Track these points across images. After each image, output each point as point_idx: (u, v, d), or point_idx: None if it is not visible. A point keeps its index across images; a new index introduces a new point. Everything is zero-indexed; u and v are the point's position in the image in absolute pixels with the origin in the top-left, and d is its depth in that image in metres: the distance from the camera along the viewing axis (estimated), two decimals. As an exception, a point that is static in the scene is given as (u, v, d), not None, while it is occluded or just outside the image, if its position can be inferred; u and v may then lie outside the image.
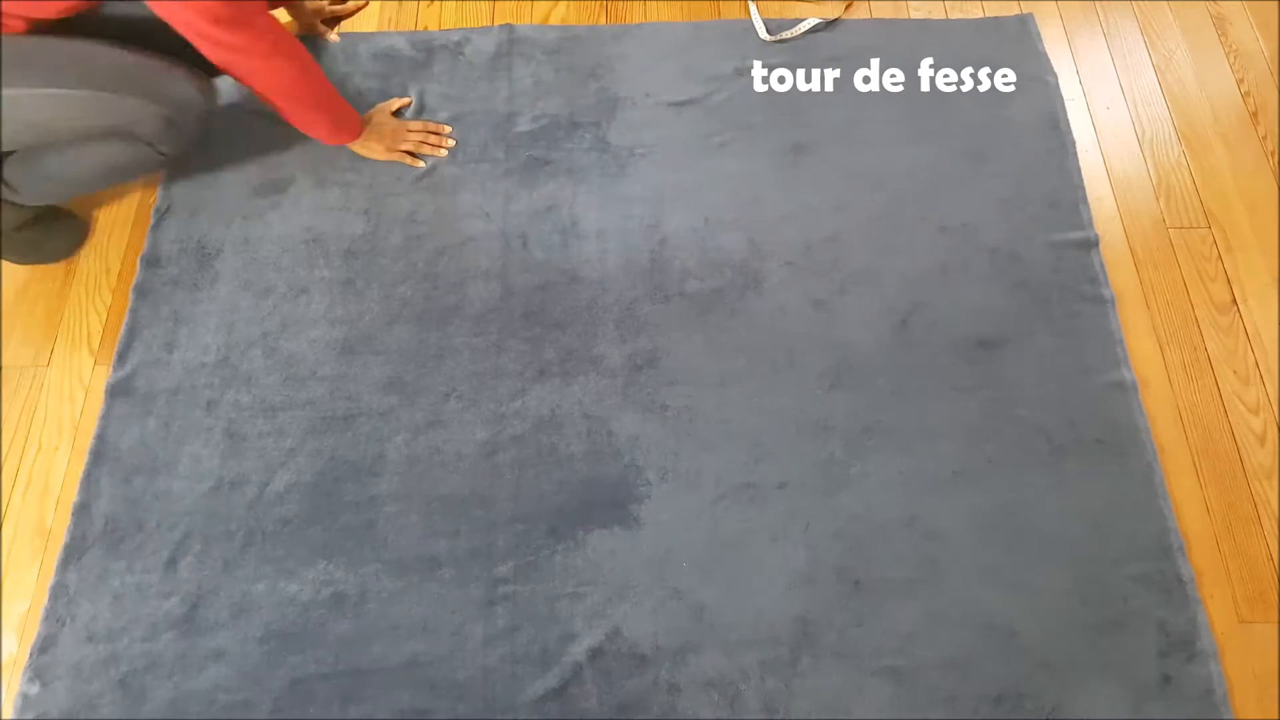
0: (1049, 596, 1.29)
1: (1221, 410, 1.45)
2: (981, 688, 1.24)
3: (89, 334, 1.50)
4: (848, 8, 1.85)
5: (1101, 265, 1.55)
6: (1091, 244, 1.57)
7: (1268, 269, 1.58)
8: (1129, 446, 1.40)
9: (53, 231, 1.54)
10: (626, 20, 1.85)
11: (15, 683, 1.24)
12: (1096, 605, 1.28)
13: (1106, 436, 1.40)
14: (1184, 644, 1.26)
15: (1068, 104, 1.74)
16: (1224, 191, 1.66)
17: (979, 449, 1.40)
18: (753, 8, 1.84)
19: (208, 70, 1.46)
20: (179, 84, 1.33)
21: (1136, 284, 1.56)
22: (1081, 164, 1.67)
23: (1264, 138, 1.72)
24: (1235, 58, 1.82)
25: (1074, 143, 1.69)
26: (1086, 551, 1.32)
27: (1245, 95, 1.77)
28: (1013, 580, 1.30)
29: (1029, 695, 1.23)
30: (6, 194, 1.44)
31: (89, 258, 1.57)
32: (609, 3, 1.88)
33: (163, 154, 1.39)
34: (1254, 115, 1.75)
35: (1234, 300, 1.55)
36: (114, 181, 1.50)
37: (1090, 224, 1.59)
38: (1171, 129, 1.74)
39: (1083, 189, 1.63)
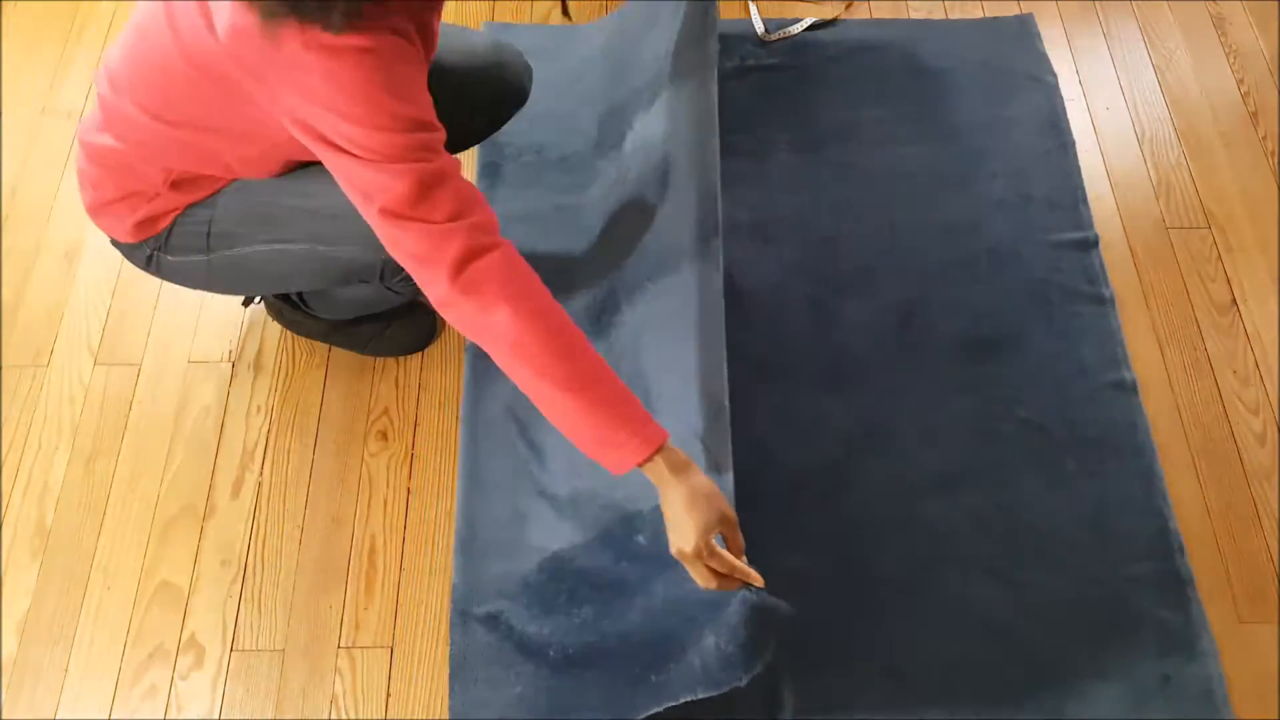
0: (1049, 597, 1.29)
1: (1221, 410, 1.45)
2: (981, 688, 1.23)
3: (89, 334, 1.50)
4: (847, 7, 1.85)
5: (1102, 265, 1.55)
6: (1091, 244, 1.57)
7: (1268, 269, 1.58)
8: (1129, 446, 1.39)
9: (403, 327, 1.46)
10: (626, 20, 1.85)
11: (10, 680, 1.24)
12: (1096, 605, 1.28)
13: (1106, 436, 1.40)
14: (1184, 644, 1.25)
15: (1067, 104, 1.74)
16: (1224, 192, 1.66)
17: (979, 449, 1.39)
18: (752, 7, 1.84)
19: None
20: None
21: (1136, 284, 1.56)
22: (1081, 164, 1.67)
23: (1264, 138, 1.72)
24: (1235, 58, 1.82)
25: (1074, 143, 1.69)
26: (1086, 552, 1.32)
27: (1245, 95, 1.77)
28: (1012, 580, 1.30)
29: (1028, 695, 1.23)
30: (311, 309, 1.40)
31: (91, 264, 1.57)
32: (609, 3, 1.87)
33: (398, 293, 1.24)
34: (1254, 115, 1.75)
35: (1234, 300, 1.55)
36: (386, 306, 1.37)
37: (1090, 224, 1.59)
38: (1171, 129, 1.74)
39: (1083, 189, 1.63)
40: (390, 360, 1.47)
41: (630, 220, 1.46)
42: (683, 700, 1.03)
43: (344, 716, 1.23)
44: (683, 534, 0.92)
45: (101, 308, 1.53)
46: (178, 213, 1.15)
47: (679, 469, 0.94)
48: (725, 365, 1.22)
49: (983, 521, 1.34)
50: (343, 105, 0.87)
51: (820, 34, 1.81)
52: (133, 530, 1.34)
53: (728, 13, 1.86)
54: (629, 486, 1.22)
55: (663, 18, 1.63)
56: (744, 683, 0.98)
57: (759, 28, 1.81)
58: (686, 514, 0.92)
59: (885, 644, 1.26)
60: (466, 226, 0.90)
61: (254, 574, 1.31)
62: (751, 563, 1.00)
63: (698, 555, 0.93)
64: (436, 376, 1.47)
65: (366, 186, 0.90)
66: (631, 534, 1.20)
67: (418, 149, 0.90)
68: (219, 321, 1.51)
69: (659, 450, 0.93)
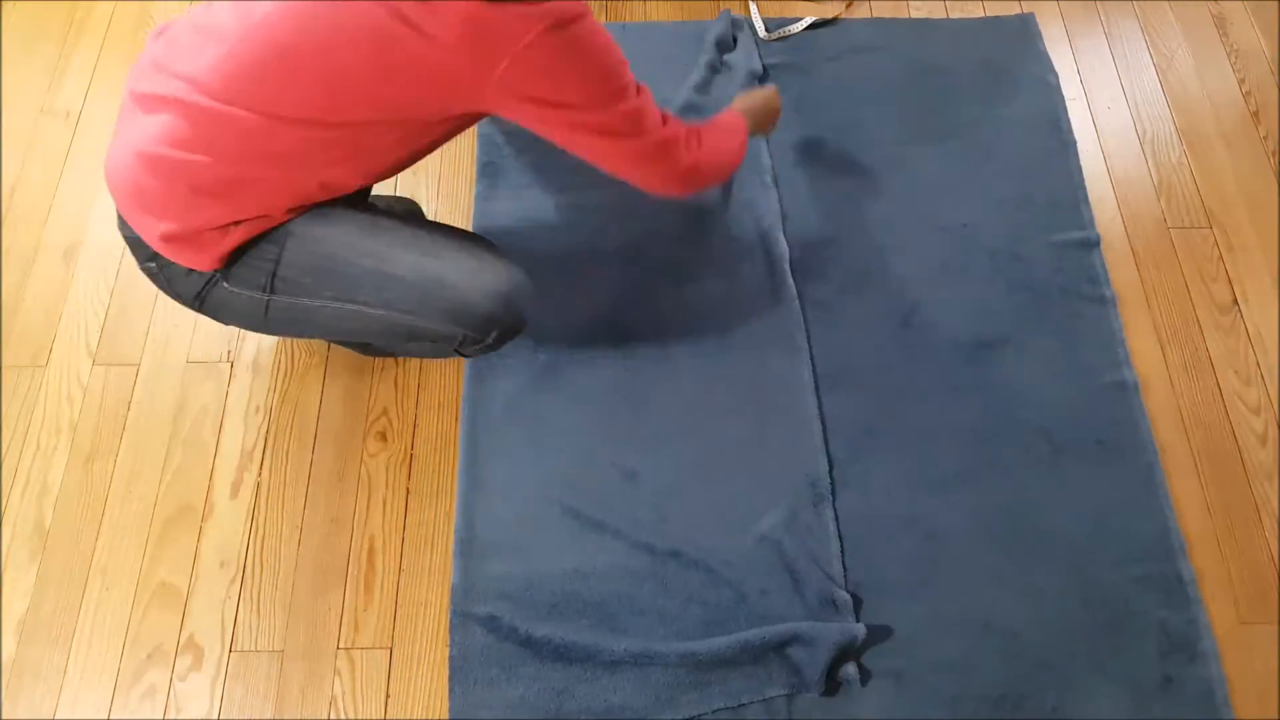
0: (1050, 597, 1.29)
1: (1222, 410, 1.45)
2: (982, 689, 1.23)
3: (88, 334, 1.50)
4: (848, 6, 1.85)
5: (1103, 265, 1.55)
6: (1093, 244, 1.57)
7: (1269, 269, 1.57)
8: (1130, 447, 1.39)
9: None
10: (626, 19, 1.84)
11: (11, 680, 1.23)
12: (1097, 606, 1.28)
13: (1107, 437, 1.40)
14: (1185, 645, 1.25)
15: (1069, 104, 1.74)
16: (1225, 191, 1.66)
17: (979, 449, 1.39)
18: (753, 6, 1.84)
19: None
20: (483, 297, 1.14)
21: (1138, 284, 1.56)
22: (1082, 164, 1.66)
23: (1265, 137, 1.72)
24: (1236, 57, 1.82)
25: (1075, 142, 1.68)
26: (1087, 552, 1.32)
27: (1246, 95, 1.77)
28: (1013, 581, 1.30)
29: (1029, 696, 1.23)
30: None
31: (89, 264, 1.56)
32: (609, 2, 1.87)
33: (466, 355, 1.28)
34: (1255, 115, 1.74)
35: (1235, 300, 1.55)
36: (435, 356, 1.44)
37: (1092, 224, 1.59)
38: (1172, 129, 1.73)
39: (1084, 189, 1.63)
40: (389, 361, 1.47)
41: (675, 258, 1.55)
42: (742, 701, 1.20)
43: (343, 717, 1.22)
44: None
45: (100, 308, 1.52)
46: (249, 239, 1.10)
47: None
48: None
49: (984, 522, 1.34)
50: (583, 68, 1.03)
51: (820, 33, 1.81)
52: (131, 531, 1.34)
53: (697, 14, 1.84)
54: (671, 529, 1.32)
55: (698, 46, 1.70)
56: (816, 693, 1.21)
57: (759, 27, 1.81)
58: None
59: (886, 645, 1.26)
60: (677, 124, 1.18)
61: (253, 575, 1.31)
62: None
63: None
64: (436, 377, 1.46)
65: (617, 126, 1.09)
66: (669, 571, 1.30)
67: (634, 84, 1.10)
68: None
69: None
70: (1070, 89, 1.77)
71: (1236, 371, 1.48)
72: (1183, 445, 1.42)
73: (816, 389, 1.43)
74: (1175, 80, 1.79)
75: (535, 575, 1.29)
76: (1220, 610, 1.29)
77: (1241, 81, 1.79)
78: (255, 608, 1.29)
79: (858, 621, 1.25)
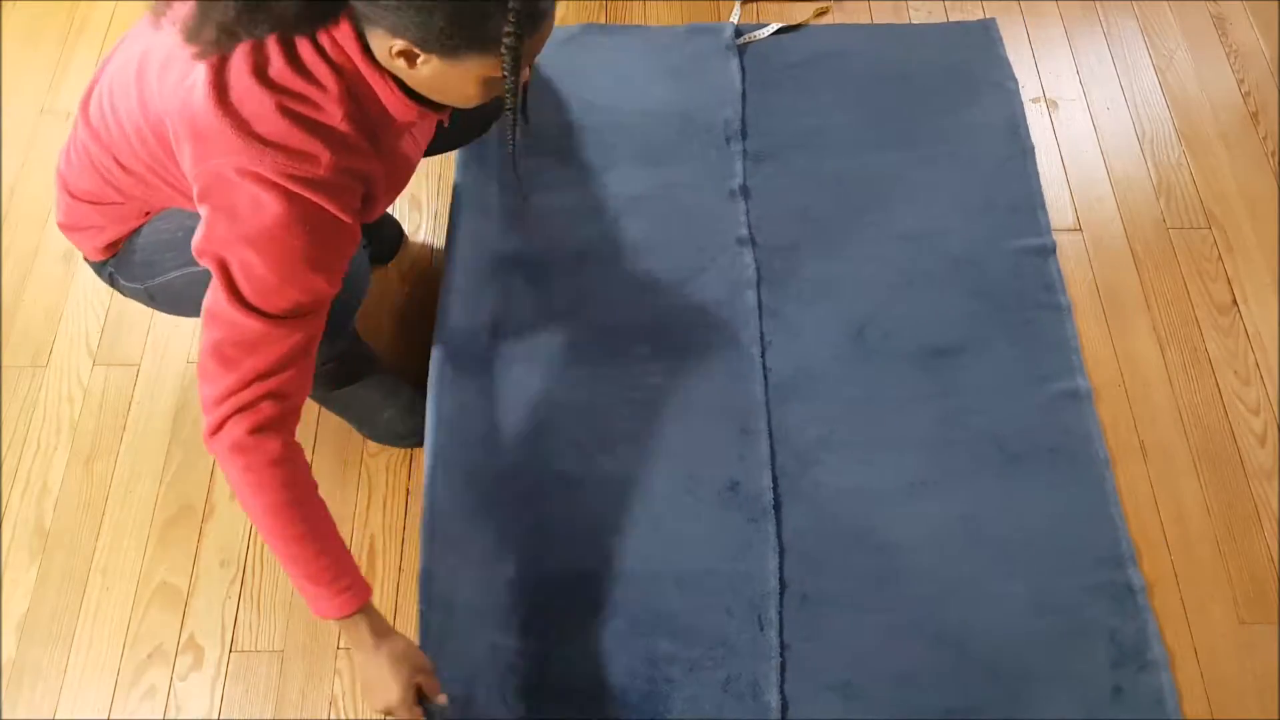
0: (1002, 608, 1.26)
1: (1222, 411, 1.45)
2: (933, 701, 1.20)
3: (88, 334, 1.50)
4: (827, 11, 1.83)
5: (1059, 272, 1.52)
6: (1049, 251, 1.54)
7: (1268, 269, 1.58)
8: (1082, 455, 1.37)
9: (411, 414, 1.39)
10: (626, 20, 1.84)
11: (8, 680, 1.24)
12: (1050, 615, 1.25)
13: (1060, 445, 1.37)
14: (1135, 654, 1.23)
15: (1068, 104, 1.74)
16: (1224, 192, 1.66)
17: (934, 459, 1.36)
18: (736, 8, 1.82)
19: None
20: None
21: (1137, 284, 1.56)
22: (1081, 164, 1.66)
23: (1264, 138, 1.72)
24: (1235, 58, 1.82)
25: (1034, 148, 1.65)
26: (1040, 561, 1.29)
27: (1246, 95, 1.77)
28: (966, 592, 1.27)
29: (981, 708, 1.20)
30: None
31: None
32: (609, 2, 1.87)
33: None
34: (1254, 116, 1.75)
35: (1234, 301, 1.55)
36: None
37: (1048, 230, 1.56)
38: (1172, 129, 1.73)
39: (1041, 194, 1.61)
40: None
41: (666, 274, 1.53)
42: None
43: (343, 717, 1.22)
44: (387, 693, 1.00)
45: (100, 308, 1.52)
46: (125, 239, 1.14)
47: (381, 634, 1.00)
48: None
49: (936, 532, 1.31)
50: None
51: (784, 38, 1.78)
52: (132, 531, 1.34)
53: (696, 14, 1.84)
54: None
55: (707, 63, 1.71)
56: None
57: (726, 33, 1.77)
58: (391, 678, 0.99)
59: (837, 659, 1.23)
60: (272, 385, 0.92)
61: (253, 574, 1.31)
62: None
63: (403, 706, 1.00)
64: (436, 377, 1.47)
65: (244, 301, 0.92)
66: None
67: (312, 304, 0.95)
68: (218, 322, 1.50)
69: (361, 609, 0.98)
70: (1069, 89, 1.77)
71: (1236, 372, 1.48)
72: (1181, 445, 1.42)
73: (767, 401, 1.40)
74: (1174, 80, 1.79)
75: (474, 581, 1.27)
76: (1219, 610, 1.29)
77: (1241, 82, 1.79)
78: (255, 608, 1.29)
79: (791, 634, 1.24)
